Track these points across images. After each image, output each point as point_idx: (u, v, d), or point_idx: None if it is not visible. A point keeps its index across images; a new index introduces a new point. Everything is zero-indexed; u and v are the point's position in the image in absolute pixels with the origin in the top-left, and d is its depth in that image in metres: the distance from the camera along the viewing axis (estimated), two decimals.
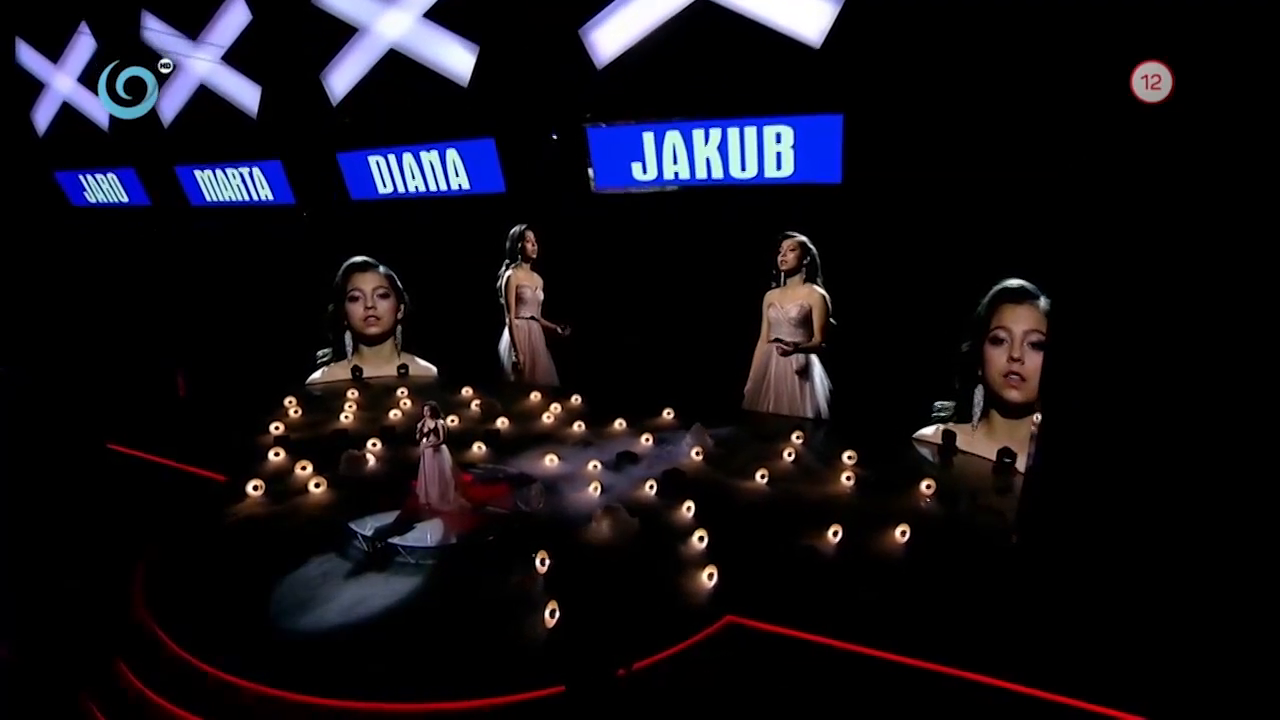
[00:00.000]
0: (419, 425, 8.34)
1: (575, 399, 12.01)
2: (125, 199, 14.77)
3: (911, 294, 9.99)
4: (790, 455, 9.91)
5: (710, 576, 7.20)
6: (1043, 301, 9.10)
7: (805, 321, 11.10)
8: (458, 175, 11.68)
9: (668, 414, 11.30)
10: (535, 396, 12.21)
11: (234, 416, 11.53)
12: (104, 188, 14.89)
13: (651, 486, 8.94)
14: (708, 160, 10.04)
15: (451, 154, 11.53)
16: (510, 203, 11.97)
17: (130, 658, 6.39)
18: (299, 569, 7.37)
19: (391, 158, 11.98)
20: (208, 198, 13.87)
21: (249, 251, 13.70)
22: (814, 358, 11.23)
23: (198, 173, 13.56)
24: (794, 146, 9.52)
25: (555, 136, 10.78)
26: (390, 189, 12.37)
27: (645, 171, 10.44)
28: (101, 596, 7.14)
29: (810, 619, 6.62)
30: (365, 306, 13.48)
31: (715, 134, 9.84)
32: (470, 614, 6.78)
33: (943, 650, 6.17)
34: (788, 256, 11.02)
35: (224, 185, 13.45)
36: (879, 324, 10.41)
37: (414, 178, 12.03)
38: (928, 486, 8.96)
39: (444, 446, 8.37)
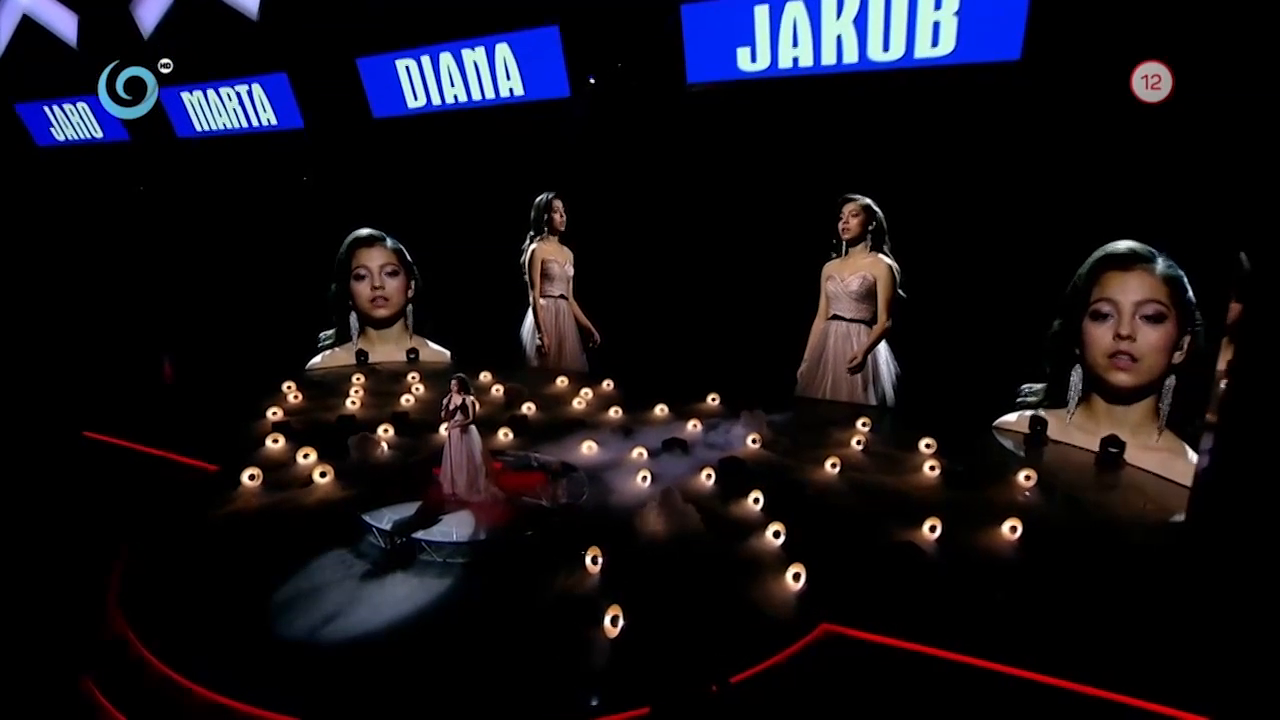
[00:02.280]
0: (444, 402, 7.30)
1: (607, 384, 11.06)
2: (99, 134, 12.73)
3: (991, 263, 9.01)
4: (860, 443, 8.94)
5: (797, 578, 6.16)
6: (1160, 265, 8.07)
7: (869, 295, 10.11)
8: (508, 78, 9.72)
9: (713, 399, 10.43)
10: (562, 382, 11.25)
11: (225, 401, 10.53)
12: (74, 121, 12.82)
13: (709, 476, 7.97)
14: (839, 39, 8.19)
15: (502, 49, 9.56)
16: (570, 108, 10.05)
17: (100, 674, 5.33)
18: (303, 569, 6.35)
19: (426, 60, 10.02)
20: (197, 127, 12.04)
21: (246, 206, 12.25)
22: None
23: (185, 95, 11.69)
24: (957, 13, 7.46)
25: (592, 80, 9.73)
26: (423, 101, 10.42)
27: (754, 60, 8.63)
28: (67, 602, 6.09)
29: (922, 628, 5.63)
30: (372, 286, 12.41)
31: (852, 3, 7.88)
32: (512, 622, 5.74)
33: (1081, 667, 5.18)
34: (850, 222, 10.03)
35: (217, 110, 11.68)
36: (954, 297, 9.45)
37: (453, 84, 10.09)
38: (1027, 478, 7.92)
39: (473, 427, 7.32)
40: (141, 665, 5.39)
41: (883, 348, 10.23)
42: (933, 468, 8.21)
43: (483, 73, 9.87)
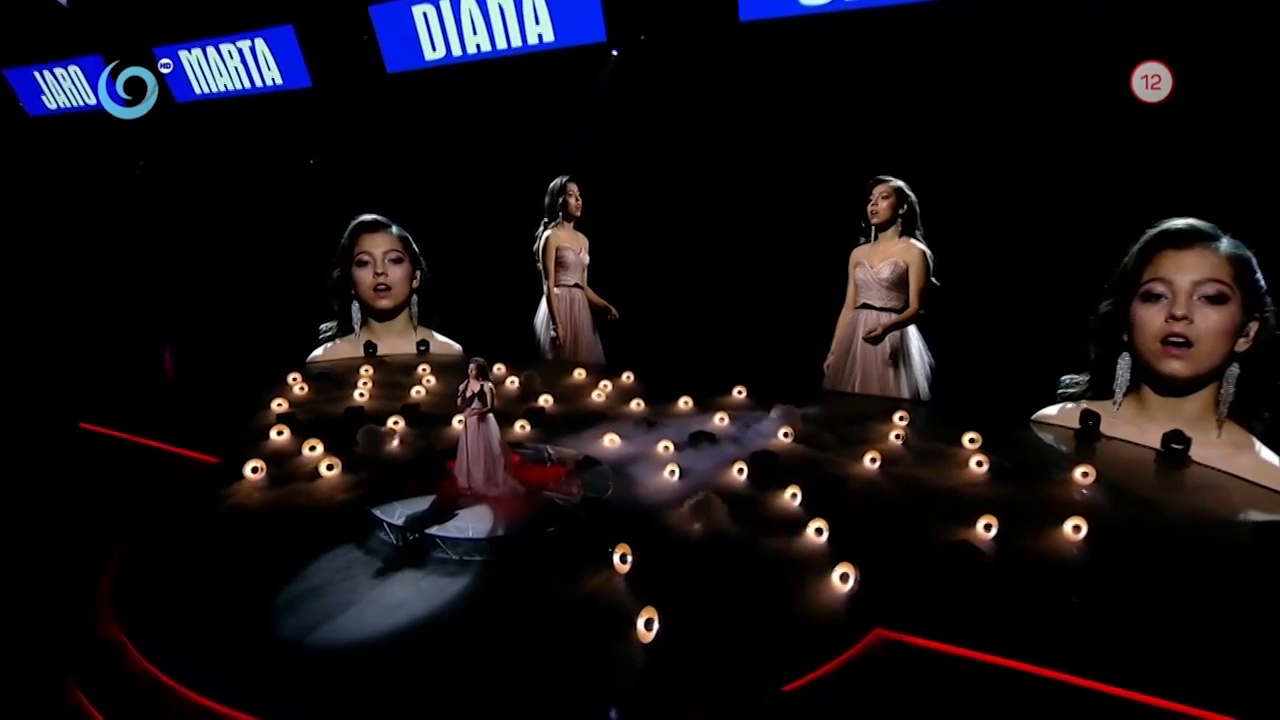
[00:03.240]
0: (460, 389, 6.87)
1: (627, 376, 10.65)
2: (93, 100, 11.93)
3: (1030, 247, 8.54)
4: (899, 438, 8.49)
5: (845, 579, 5.67)
6: (1224, 244, 7.56)
7: (900, 283, 9.64)
8: (537, 22, 8.87)
9: (739, 392, 9.98)
10: (579, 374, 10.81)
11: (227, 392, 10.16)
12: (66, 87, 12.17)
13: (741, 470, 7.53)
14: None
15: None
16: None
17: (88, 677, 4.90)
18: (307, 568, 5.94)
19: (445, 3, 9.20)
20: (196, 89, 11.39)
21: (250, 181, 11.72)
22: (911, 328, 9.75)
23: (183, 54, 11.03)
24: None
25: (615, 53, 9.29)
26: (441, 51, 9.62)
27: None
28: (57, 600, 5.67)
29: (984, 634, 5.15)
30: (375, 273, 11.98)
31: None
32: (535, 626, 5.30)
33: (1161, 680, 4.71)
34: (880, 205, 9.57)
35: (217, 70, 11.03)
36: (990, 284, 8.96)
37: (475, 30, 9.21)
38: (1084, 474, 7.42)
39: (491, 416, 6.89)
40: (131, 668, 4.97)
41: (915, 338, 9.75)
42: (979, 463, 7.72)
43: (509, 16, 9.13)
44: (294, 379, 10.47)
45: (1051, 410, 9.07)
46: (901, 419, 8.89)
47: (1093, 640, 5.13)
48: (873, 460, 7.80)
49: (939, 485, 7.44)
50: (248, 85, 11.11)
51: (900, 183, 9.39)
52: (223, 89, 11.32)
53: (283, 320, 11.83)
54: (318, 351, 12.10)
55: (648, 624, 5.07)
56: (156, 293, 12.56)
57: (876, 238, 9.66)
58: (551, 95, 10.23)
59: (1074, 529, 6.35)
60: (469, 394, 6.79)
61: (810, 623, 5.32)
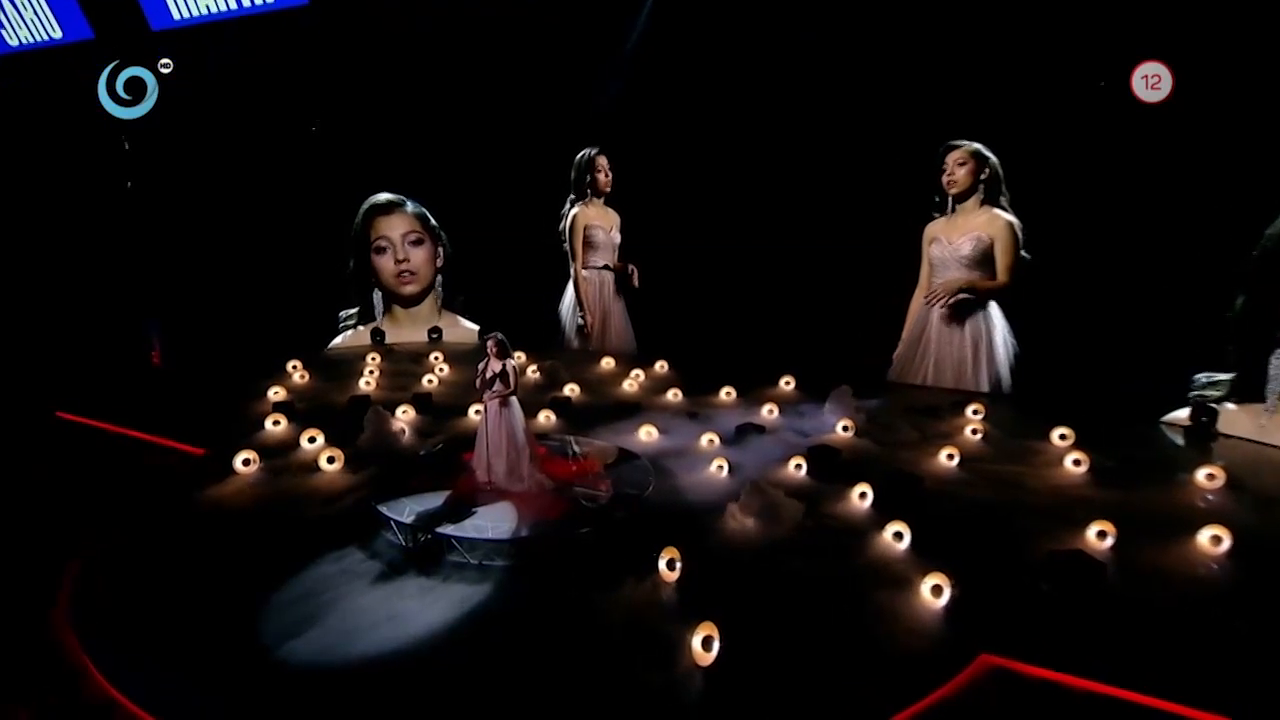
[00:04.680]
0: (479, 368, 6.25)
1: (661, 365, 10.12)
2: (58, 33, 11.15)
3: (1140, 217, 7.81)
4: (977, 432, 7.82)
5: (937, 592, 4.94)
6: None
7: (983, 260, 8.92)
8: None
9: (787, 383, 9.42)
10: (609, 363, 10.28)
11: (218, 380, 9.70)
12: (27, 18, 11.26)
13: (799, 465, 6.94)
14: None
15: None
16: None
17: (37, 706, 4.29)
18: (303, 572, 5.38)
19: None
20: (176, 14, 10.55)
21: (246, 130, 11.06)
22: (994, 311, 8.98)
23: None
24: None
25: None
26: None
27: None
28: (15, 610, 5.09)
29: (1115, 663, 4.41)
30: (396, 259, 11.45)
31: None
32: (568, 642, 4.67)
33: None
34: (956, 173, 8.86)
35: None
36: (1089, 261, 8.22)
37: None
38: (1209, 476, 6.59)
39: (515, 401, 6.26)
40: (92, 695, 4.35)
41: (1000, 323, 9.02)
42: (1077, 462, 6.96)
43: None
44: (294, 366, 9.99)
45: (1181, 413, 8.17)
46: (977, 413, 8.22)
47: (1257, 678, 4.34)
48: (950, 457, 7.19)
49: (1033, 486, 6.77)
50: (236, 5, 10.30)
51: (978, 145, 8.69)
52: (206, 11, 10.56)
53: (295, 305, 11.29)
54: (337, 340, 11.62)
55: (705, 643, 4.40)
56: (144, 268, 11.92)
57: (954, 210, 8.97)
58: (578, 46, 9.61)
59: (1213, 540, 5.53)
60: (489, 375, 6.16)
61: (900, 645, 4.64)
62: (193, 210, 11.58)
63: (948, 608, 4.89)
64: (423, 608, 4.99)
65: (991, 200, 8.75)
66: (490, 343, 6.17)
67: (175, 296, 11.77)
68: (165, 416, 8.28)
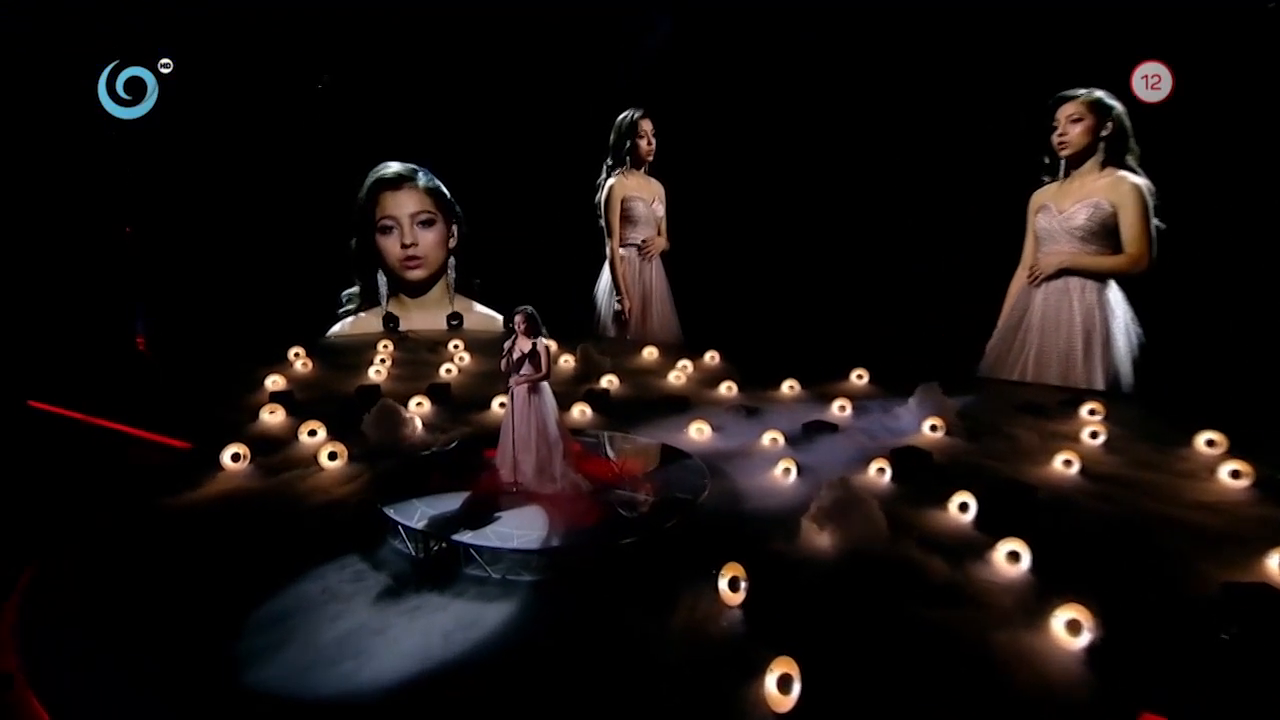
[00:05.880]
0: (504, 347, 5.86)
1: (712, 356, 9.87)
2: None
3: None
4: (1095, 436, 7.31)
5: (1074, 629, 4.31)
6: None
7: (1103, 232, 8.31)
8: None
9: (859, 377, 9.12)
10: (651, 353, 10.03)
11: (211, 368, 9.61)
12: None
13: (881, 470, 6.55)
14: None
15: None
16: None
17: None
18: (293, 585, 5.05)
19: None
20: None
21: (244, 111, 10.94)
22: (1112, 293, 8.30)
23: None
24: None
25: None
26: None
27: None
28: None
29: None
30: (403, 243, 11.22)
31: None
32: (610, 676, 4.20)
33: None
34: (1070, 131, 8.30)
35: None
36: (1233, 234, 7.60)
37: None
38: None
39: (546, 387, 5.84)
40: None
41: (1118, 308, 8.40)
42: (1236, 474, 6.27)
43: None
44: (295, 353, 9.87)
45: None
46: (1093, 413, 7.72)
47: None
48: (1067, 463, 6.68)
49: (1180, 500, 6.18)
50: None
51: (1098, 94, 8.08)
52: None
53: (293, 288, 11.13)
54: (337, 327, 11.44)
55: (782, 685, 3.87)
56: (129, 249, 11.70)
57: (1068, 174, 8.42)
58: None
59: None
60: (516, 355, 5.72)
61: (1030, 696, 4.03)
62: (186, 185, 11.41)
63: (1090, 650, 4.28)
64: (431, 632, 4.60)
65: (1115, 161, 8.16)
66: (518, 317, 5.78)
67: (165, 277, 11.58)
68: (148, 407, 8.17)
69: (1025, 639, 4.41)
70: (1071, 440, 7.27)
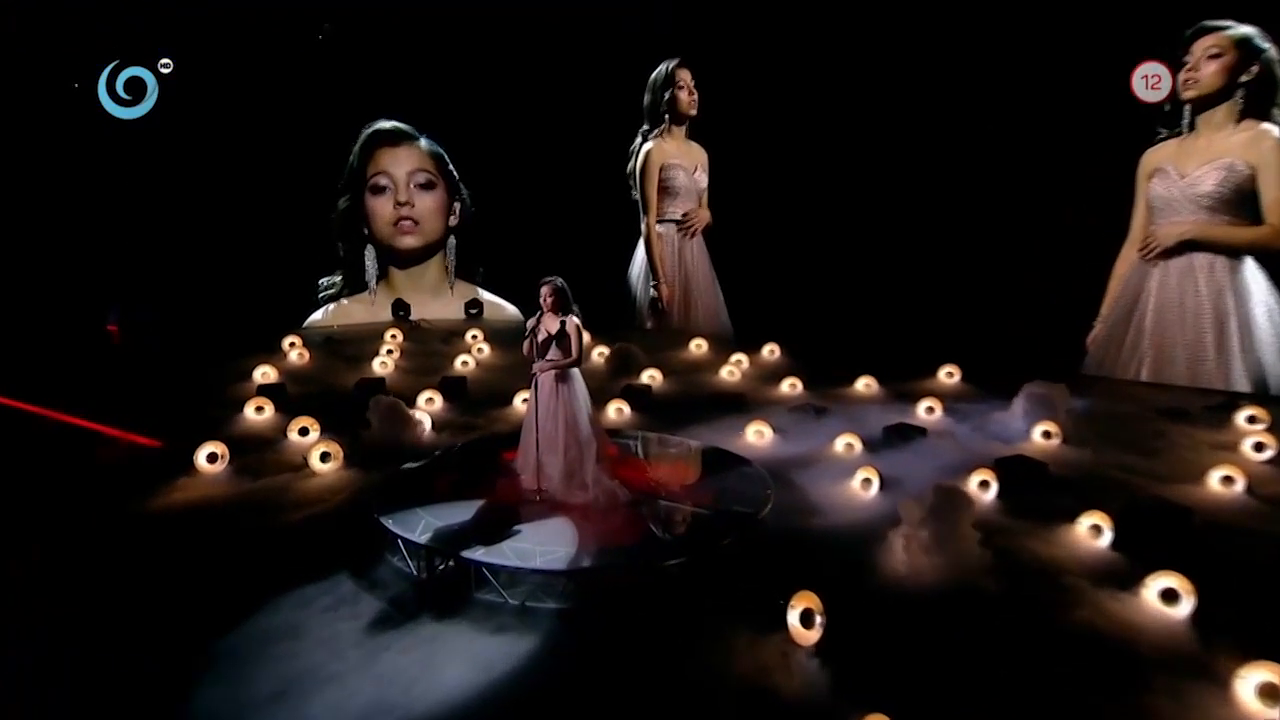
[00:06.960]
0: (527, 327, 5.47)
1: (771, 349, 9.66)
2: None
3: None
4: (1263, 448, 6.82)
5: (1270, 694, 3.74)
6: None
7: (1238, 200, 7.77)
8: None
9: (949, 375, 8.82)
10: (699, 345, 9.83)
11: (194, 361, 9.48)
12: None
13: (984, 483, 6.11)
14: None
15: None
16: None
17: None
18: (274, 606, 4.82)
19: None
20: None
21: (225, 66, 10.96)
22: (1249, 272, 7.72)
23: None
24: None
25: None
26: None
27: None
28: None
29: None
30: (396, 201, 10.92)
31: None
32: None
33: None
34: (1202, 71, 7.80)
35: None
36: None
37: None
38: None
39: (577, 375, 5.46)
40: None
41: (1258, 290, 7.81)
42: None
43: None
44: (290, 343, 9.79)
45: None
46: (1253, 420, 7.22)
47: None
48: (1227, 480, 6.22)
49: None
50: None
51: (1246, 30, 7.53)
52: None
53: (293, 284, 11.11)
54: (317, 315, 11.22)
55: None
56: (98, 230, 11.74)
57: (1194, 126, 7.90)
58: None
59: None
60: (542, 336, 5.27)
61: None
62: (167, 171, 11.50)
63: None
64: (435, 667, 4.33)
65: (1256, 112, 7.60)
66: (545, 290, 5.36)
67: (143, 264, 11.62)
68: (118, 401, 8.07)
69: (1200, 699, 3.85)
70: (1228, 451, 6.79)
